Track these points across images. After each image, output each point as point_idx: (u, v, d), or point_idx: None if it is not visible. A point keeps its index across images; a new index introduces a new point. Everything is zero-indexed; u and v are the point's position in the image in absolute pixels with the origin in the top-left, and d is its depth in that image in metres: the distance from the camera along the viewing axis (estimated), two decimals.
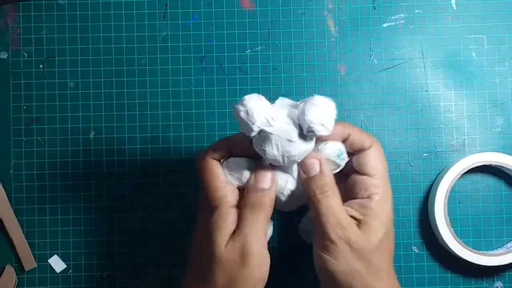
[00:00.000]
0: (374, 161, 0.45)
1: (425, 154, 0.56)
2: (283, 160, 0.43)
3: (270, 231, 0.52)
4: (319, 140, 0.45)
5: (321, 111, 0.41)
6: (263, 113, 0.41)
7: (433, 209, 0.54)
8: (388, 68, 0.57)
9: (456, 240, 0.54)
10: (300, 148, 0.43)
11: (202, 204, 0.46)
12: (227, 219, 0.43)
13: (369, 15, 0.57)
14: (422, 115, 0.56)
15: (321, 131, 0.42)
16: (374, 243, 0.43)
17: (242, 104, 0.41)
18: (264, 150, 0.43)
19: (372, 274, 0.43)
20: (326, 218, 0.43)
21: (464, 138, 0.56)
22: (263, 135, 0.43)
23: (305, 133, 0.42)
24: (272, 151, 0.43)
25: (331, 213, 0.43)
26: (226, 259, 0.43)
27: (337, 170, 0.46)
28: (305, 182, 0.44)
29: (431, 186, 0.56)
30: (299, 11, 0.57)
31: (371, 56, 0.57)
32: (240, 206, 0.44)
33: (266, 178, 0.44)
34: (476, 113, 0.57)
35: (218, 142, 0.46)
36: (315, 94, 0.42)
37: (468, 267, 0.55)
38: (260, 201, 0.44)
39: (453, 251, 0.54)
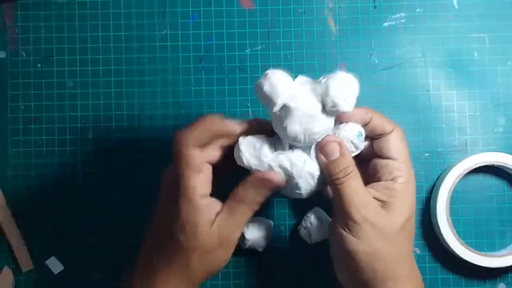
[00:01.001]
0: (398, 145, 0.45)
1: (427, 154, 0.56)
2: (304, 138, 0.42)
3: (270, 232, 0.52)
4: (338, 121, 0.45)
5: (345, 87, 0.41)
6: (288, 87, 0.41)
7: (435, 210, 0.53)
8: (389, 67, 0.56)
9: (459, 241, 0.53)
10: (322, 125, 0.42)
11: (169, 184, 0.45)
12: (200, 209, 0.43)
13: (370, 14, 0.56)
14: (423, 115, 0.56)
15: (344, 106, 0.41)
16: (398, 224, 0.43)
17: (266, 78, 0.41)
18: (286, 128, 0.42)
19: (395, 256, 0.43)
20: (350, 199, 0.42)
21: (466, 138, 0.56)
22: (284, 112, 0.42)
23: (328, 109, 0.42)
24: (294, 127, 0.42)
25: (355, 194, 0.43)
26: (206, 246, 0.43)
27: (356, 153, 0.45)
28: (326, 166, 0.44)
29: (433, 186, 0.56)
30: (299, 10, 0.57)
31: (371, 56, 0.56)
32: (235, 194, 0.44)
33: (271, 182, 0.44)
34: (478, 113, 0.56)
35: (201, 125, 0.44)
36: (338, 70, 0.42)
37: (471, 268, 0.54)
38: (255, 200, 0.44)
39: (455, 252, 0.53)
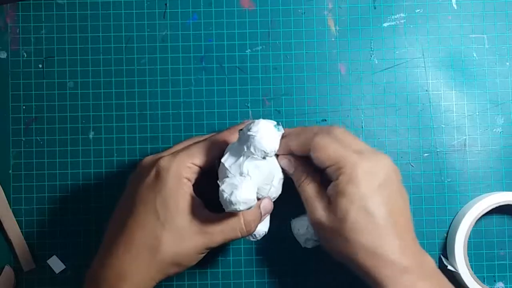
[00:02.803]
0: (324, 154, 0.46)
1: (426, 154, 0.56)
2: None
3: (268, 220, 0.52)
4: None
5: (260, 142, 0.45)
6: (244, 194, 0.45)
7: (453, 253, 0.54)
8: (389, 67, 0.57)
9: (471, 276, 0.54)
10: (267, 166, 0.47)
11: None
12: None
13: (370, 15, 0.57)
14: (422, 115, 0.56)
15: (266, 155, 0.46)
16: (341, 219, 0.45)
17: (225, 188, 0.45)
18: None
19: (350, 247, 0.45)
20: (305, 204, 0.48)
21: (465, 138, 0.56)
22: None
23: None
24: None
25: (306, 199, 0.48)
26: (184, 228, 0.47)
27: (280, 134, 0.48)
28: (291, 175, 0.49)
29: (447, 230, 0.56)
30: (299, 10, 0.57)
31: (371, 56, 0.57)
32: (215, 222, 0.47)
33: (255, 223, 0.48)
34: (477, 113, 0.56)
35: (199, 147, 0.48)
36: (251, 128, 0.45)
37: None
38: (235, 236, 0.48)
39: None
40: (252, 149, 0.44)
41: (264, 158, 0.45)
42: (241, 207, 0.43)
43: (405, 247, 0.44)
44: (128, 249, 0.45)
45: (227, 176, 0.45)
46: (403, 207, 0.46)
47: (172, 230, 0.45)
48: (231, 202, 0.43)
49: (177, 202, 0.46)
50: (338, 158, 0.45)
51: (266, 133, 0.44)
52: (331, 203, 0.46)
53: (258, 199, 0.47)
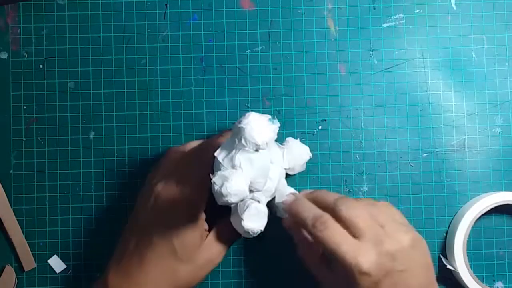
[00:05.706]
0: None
1: (425, 154, 0.56)
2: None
3: (266, 218, 0.51)
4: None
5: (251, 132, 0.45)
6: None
7: (453, 251, 0.54)
8: (388, 68, 0.57)
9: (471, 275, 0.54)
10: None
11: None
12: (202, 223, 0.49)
13: (369, 15, 0.57)
14: (422, 115, 0.56)
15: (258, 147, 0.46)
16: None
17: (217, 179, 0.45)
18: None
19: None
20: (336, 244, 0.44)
21: (464, 138, 0.56)
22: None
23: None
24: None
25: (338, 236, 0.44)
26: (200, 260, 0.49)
27: (276, 127, 0.47)
28: (301, 225, 0.47)
29: (447, 230, 0.56)
30: (299, 11, 0.57)
31: (371, 56, 0.57)
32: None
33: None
34: (476, 113, 0.57)
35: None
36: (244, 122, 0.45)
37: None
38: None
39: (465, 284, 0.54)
40: (243, 142, 0.44)
41: (256, 150, 0.45)
42: (232, 199, 0.43)
43: None
44: (147, 280, 0.48)
45: (220, 169, 0.45)
46: None
47: (189, 265, 0.48)
48: (222, 194, 0.43)
49: (194, 240, 0.48)
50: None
51: (257, 125, 0.44)
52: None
53: (251, 191, 0.47)
